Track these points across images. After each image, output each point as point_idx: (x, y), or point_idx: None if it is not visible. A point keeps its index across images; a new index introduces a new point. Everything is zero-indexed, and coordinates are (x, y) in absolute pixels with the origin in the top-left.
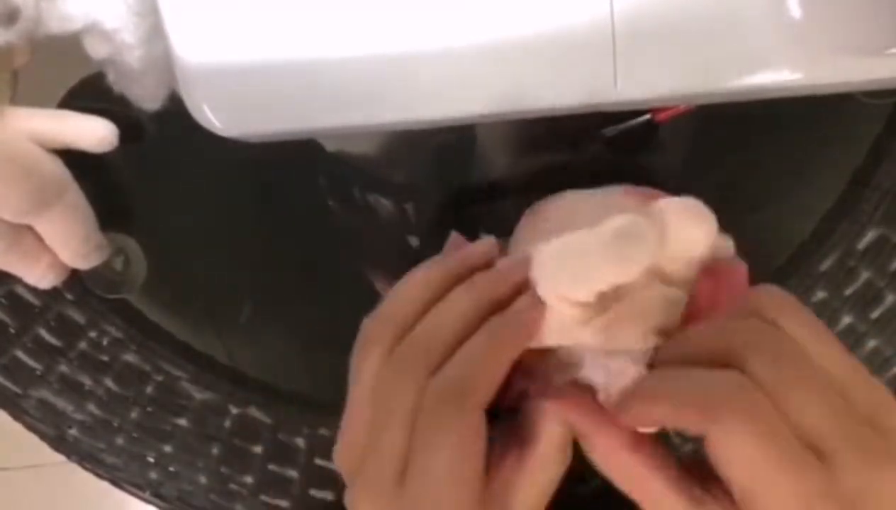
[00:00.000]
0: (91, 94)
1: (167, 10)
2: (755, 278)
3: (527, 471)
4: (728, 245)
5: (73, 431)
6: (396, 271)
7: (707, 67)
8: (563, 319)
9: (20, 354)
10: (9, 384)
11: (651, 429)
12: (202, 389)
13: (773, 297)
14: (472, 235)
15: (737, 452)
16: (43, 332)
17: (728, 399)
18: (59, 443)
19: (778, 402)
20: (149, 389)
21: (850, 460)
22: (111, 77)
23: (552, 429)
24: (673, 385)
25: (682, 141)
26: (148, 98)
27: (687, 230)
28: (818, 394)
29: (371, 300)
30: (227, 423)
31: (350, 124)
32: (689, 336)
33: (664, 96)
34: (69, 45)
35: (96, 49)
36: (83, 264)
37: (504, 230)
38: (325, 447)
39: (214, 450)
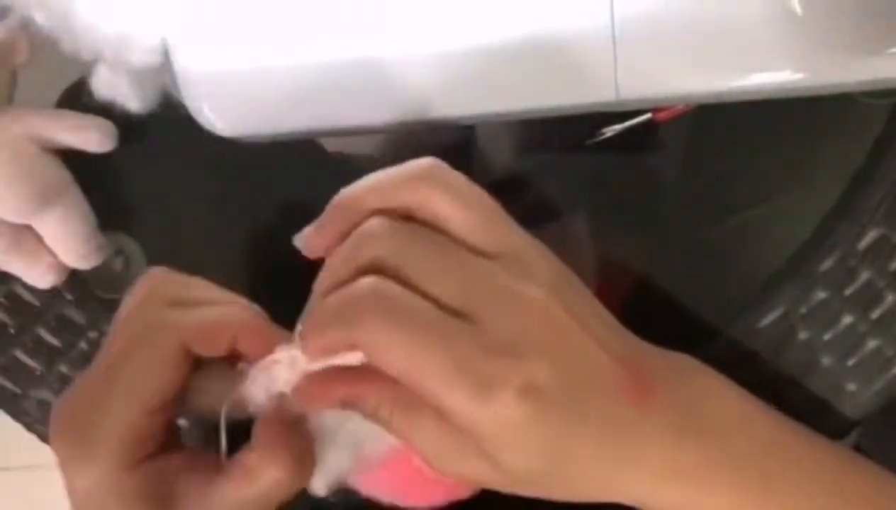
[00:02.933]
0: (90, 93)
1: (168, 12)
2: (755, 278)
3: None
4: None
5: None
6: None
7: (707, 67)
8: None
9: (20, 354)
10: (9, 384)
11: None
12: None
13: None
14: None
15: (385, 351)
16: (43, 332)
17: (361, 303)
18: None
19: (412, 285)
20: None
21: (491, 311)
22: (100, 79)
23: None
24: (318, 309)
25: (682, 140)
26: (142, 99)
27: None
28: (446, 266)
29: None
30: None
31: (350, 124)
32: (328, 264)
33: (664, 96)
34: None
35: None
36: (83, 264)
37: None
38: None
39: (214, 450)
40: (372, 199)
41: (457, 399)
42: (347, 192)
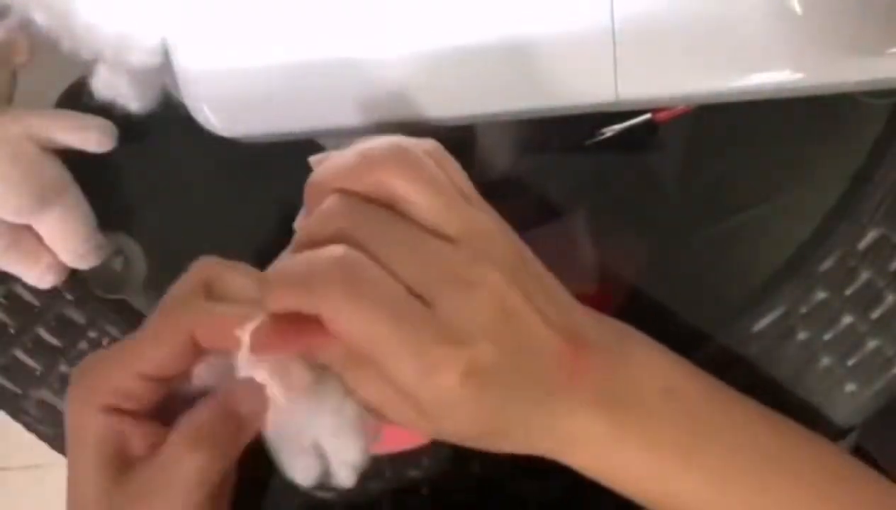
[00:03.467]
0: (90, 93)
1: (167, 12)
2: (755, 278)
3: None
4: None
5: None
6: None
7: (707, 67)
8: None
9: (20, 354)
10: (9, 384)
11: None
12: None
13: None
14: None
15: (344, 321)
16: (43, 332)
17: (328, 269)
18: (58, 443)
19: (379, 262)
20: None
21: (445, 296)
22: (100, 79)
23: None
24: (284, 270)
25: (682, 140)
26: (142, 99)
27: None
28: (403, 247)
29: None
30: None
31: (350, 124)
32: (299, 232)
33: (664, 96)
34: None
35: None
36: (83, 264)
37: None
38: None
39: None
40: (335, 180)
41: (404, 375)
42: (316, 174)
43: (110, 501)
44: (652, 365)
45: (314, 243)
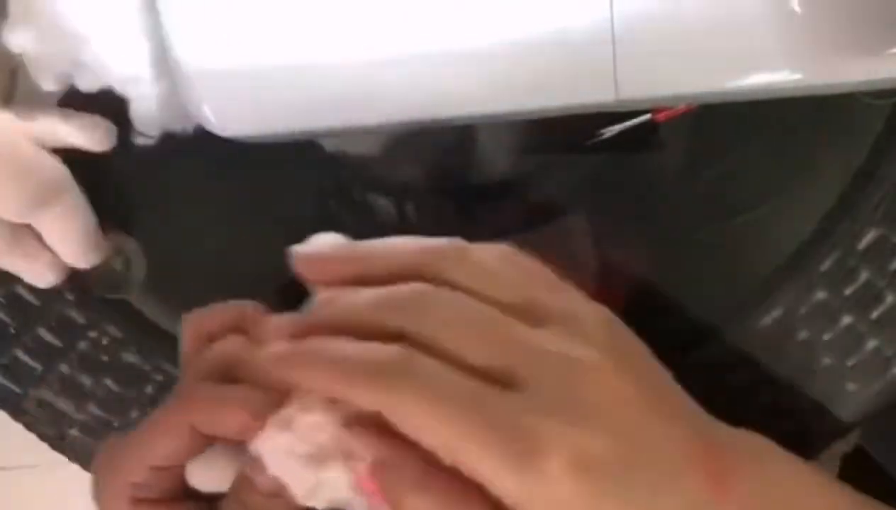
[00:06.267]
0: (90, 93)
1: (167, 11)
2: (755, 278)
3: None
4: None
5: (73, 431)
6: None
7: (707, 67)
8: None
9: (20, 354)
10: (9, 384)
11: None
12: None
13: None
14: (472, 236)
15: (418, 416)
16: (43, 332)
17: (395, 366)
18: (59, 443)
19: (441, 356)
20: (149, 389)
21: (536, 375)
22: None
23: None
24: (337, 352)
25: (682, 140)
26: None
27: None
28: (477, 335)
29: None
30: None
31: (350, 124)
32: (348, 308)
33: (664, 96)
34: None
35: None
36: (83, 263)
37: (504, 230)
38: None
39: None
40: (389, 264)
41: (498, 469)
42: (375, 246)
43: None
44: (793, 476)
45: (374, 323)
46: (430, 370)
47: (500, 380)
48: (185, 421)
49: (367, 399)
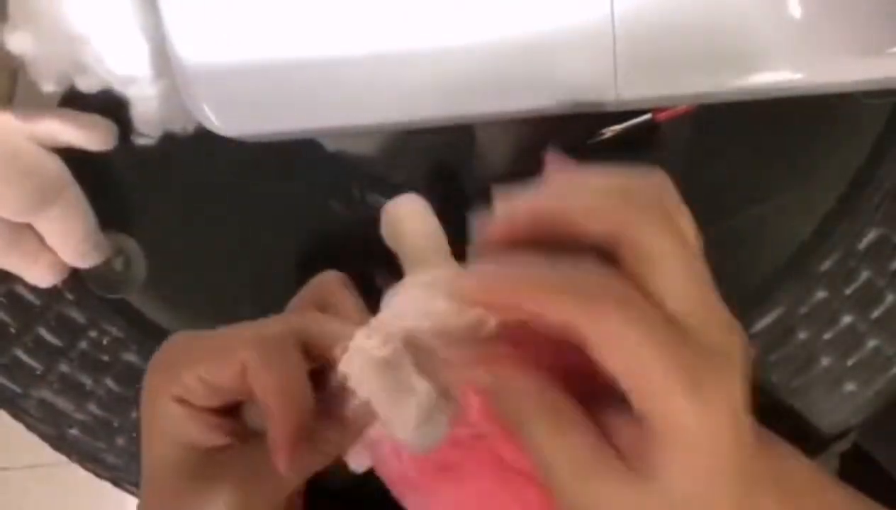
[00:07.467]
0: (90, 93)
1: (167, 11)
2: (755, 278)
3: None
4: None
5: (73, 431)
6: (397, 271)
7: (707, 67)
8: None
9: (20, 354)
10: (9, 384)
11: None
12: None
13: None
14: (471, 236)
15: (615, 338)
16: (43, 332)
17: (601, 287)
18: (59, 443)
19: (644, 289)
20: None
21: (706, 329)
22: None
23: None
24: (543, 274)
25: (683, 140)
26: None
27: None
28: (680, 279)
29: (371, 299)
30: None
31: (350, 124)
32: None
33: (664, 96)
34: None
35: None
36: (83, 263)
37: None
38: None
39: None
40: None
41: (674, 387)
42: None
43: (189, 479)
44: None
45: (591, 224)
46: (634, 296)
47: (678, 322)
48: (239, 360)
49: (573, 313)
